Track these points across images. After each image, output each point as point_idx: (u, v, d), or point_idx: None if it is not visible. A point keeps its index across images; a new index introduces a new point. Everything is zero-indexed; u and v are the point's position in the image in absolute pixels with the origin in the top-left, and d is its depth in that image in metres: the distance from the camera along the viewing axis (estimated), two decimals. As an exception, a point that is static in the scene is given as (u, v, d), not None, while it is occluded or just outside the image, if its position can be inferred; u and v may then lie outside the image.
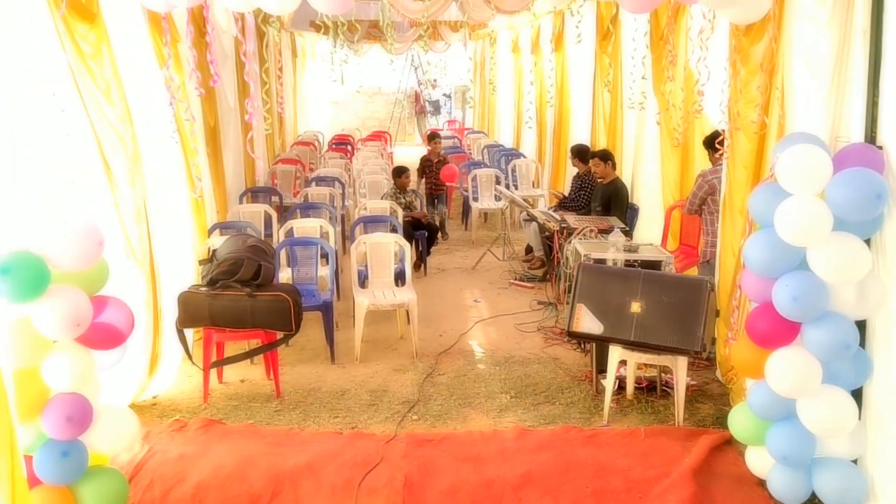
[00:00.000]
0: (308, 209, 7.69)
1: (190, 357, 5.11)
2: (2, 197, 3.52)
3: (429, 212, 9.03)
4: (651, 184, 6.85)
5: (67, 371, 3.36)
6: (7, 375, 3.05)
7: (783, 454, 3.75)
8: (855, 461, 3.76)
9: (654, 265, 5.21)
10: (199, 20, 6.10)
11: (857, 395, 3.72)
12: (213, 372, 5.19)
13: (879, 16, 3.53)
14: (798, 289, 3.56)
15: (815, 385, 3.64)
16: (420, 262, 8.21)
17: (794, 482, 3.80)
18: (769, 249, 3.68)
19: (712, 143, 5.38)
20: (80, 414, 3.40)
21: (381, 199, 8.25)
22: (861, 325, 3.71)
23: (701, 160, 5.83)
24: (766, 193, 3.73)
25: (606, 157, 7.62)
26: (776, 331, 3.71)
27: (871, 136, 3.64)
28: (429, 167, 10.18)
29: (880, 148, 3.57)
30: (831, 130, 3.78)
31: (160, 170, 5.23)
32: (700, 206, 5.78)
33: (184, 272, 5.64)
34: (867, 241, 3.60)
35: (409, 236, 7.35)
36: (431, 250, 8.51)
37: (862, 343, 3.71)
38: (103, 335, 3.51)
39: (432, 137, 10.80)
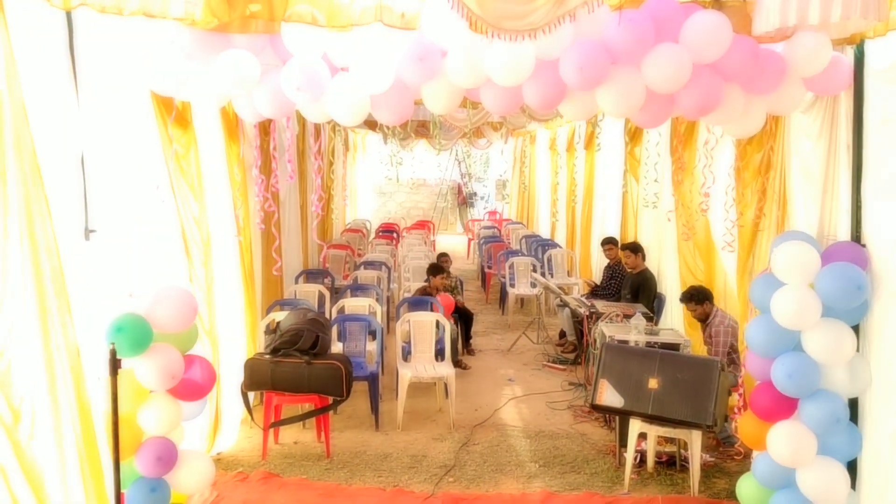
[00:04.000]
0: (357, 290, 8.37)
1: (252, 417, 5.70)
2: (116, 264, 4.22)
3: None
4: (673, 275, 7.40)
5: (160, 417, 3.98)
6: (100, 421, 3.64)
7: (785, 520, 4.14)
8: (852, 529, 4.11)
9: (672, 347, 5.68)
10: (266, 123, 6.95)
11: (853, 466, 4.13)
12: (270, 433, 5.75)
13: (860, 133, 4.14)
14: (793, 367, 4.05)
15: (810, 456, 4.07)
16: (465, 348, 8.68)
17: (795, 547, 4.17)
18: (767, 332, 4.18)
19: (691, 298, 5.89)
20: (168, 455, 4.00)
21: (425, 282, 8.87)
22: (853, 403, 4.15)
23: (707, 252, 6.39)
24: (763, 283, 4.26)
25: (636, 248, 8.20)
26: (775, 405, 4.18)
27: (856, 236, 4.19)
28: None
29: (864, 246, 4.10)
30: (820, 229, 4.33)
31: (223, 255, 5.91)
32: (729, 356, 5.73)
33: (236, 343, 6.25)
34: (855, 328, 4.09)
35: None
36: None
37: (854, 419, 4.15)
38: (190, 389, 4.14)
39: (436, 270, 8.45)
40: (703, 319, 5.94)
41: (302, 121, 9.25)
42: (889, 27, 3.68)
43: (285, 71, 3.99)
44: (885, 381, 3.93)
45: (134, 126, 4.41)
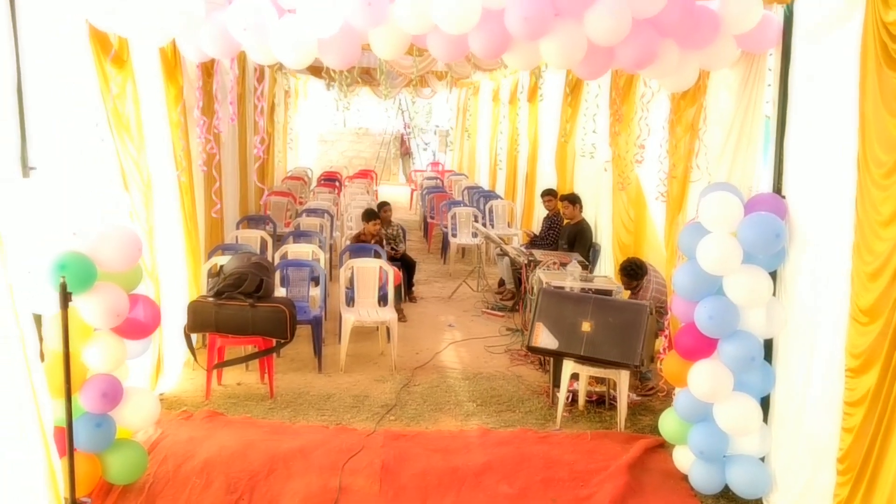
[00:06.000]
0: (300, 236, 8.40)
1: (195, 358, 5.75)
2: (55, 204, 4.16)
3: None
4: (607, 225, 7.68)
5: (105, 355, 4.02)
6: (34, 357, 3.60)
7: (700, 449, 4.48)
8: (762, 459, 4.48)
9: (605, 293, 5.96)
10: (209, 64, 6.85)
11: (766, 401, 4.47)
12: (213, 375, 5.82)
13: (785, 90, 4.37)
14: (714, 309, 4.33)
15: (727, 392, 4.39)
16: (408, 293, 8.87)
17: (710, 475, 4.52)
18: (692, 277, 4.45)
19: (627, 273, 6.01)
20: (113, 392, 4.06)
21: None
22: (769, 343, 4.48)
23: (637, 203, 6.64)
24: (690, 231, 4.51)
25: (574, 200, 8.46)
26: (697, 345, 4.47)
27: (777, 187, 4.46)
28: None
29: (784, 197, 4.38)
30: (744, 180, 4.59)
31: (163, 197, 5.86)
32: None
33: (177, 285, 6.24)
34: (773, 273, 4.39)
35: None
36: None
37: (769, 358, 4.48)
38: (134, 327, 4.17)
39: (370, 216, 8.32)
40: (634, 290, 6.14)
41: (242, 63, 9.10)
42: (816, -12, 3.89)
43: (231, 10, 3.97)
44: (797, 324, 4.24)
45: (75, 62, 4.31)
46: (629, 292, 6.15)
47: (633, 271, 6.04)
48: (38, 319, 3.93)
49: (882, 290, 3.33)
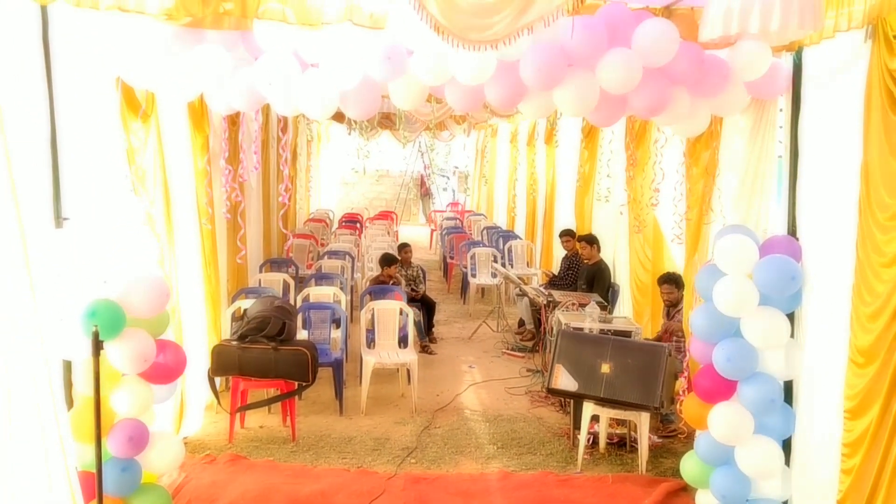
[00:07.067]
0: (322, 279, 8.52)
1: (219, 401, 5.84)
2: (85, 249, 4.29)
3: None
4: (625, 266, 7.72)
5: (132, 400, 4.11)
6: (60, 402, 3.67)
7: (722, 493, 4.45)
8: (785, 503, 4.44)
9: (624, 334, 5.98)
10: (235, 115, 7.04)
11: (788, 444, 4.45)
12: (236, 418, 5.89)
13: (796, 134, 4.44)
14: (732, 352, 4.35)
15: (747, 434, 4.37)
16: (427, 336, 8.92)
17: (733, 520, 4.48)
18: (709, 319, 4.47)
19: (671, 281, 6.00)
20: (139, 436, 4.14)
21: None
22: (788, 385, 4.47)
23: (656, 244, 6.68)
24: (707, 273, 4.55)
25: (592, 240, 8.51)
26: (716, 388, 4.47)
27: (791, 230, 4.50)
28: None
29: (798, 239, 4.42)
30: (757, 222, 4.64)
31: (186, 243, 5.97)
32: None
33: (198, 330, 6.32)
34: (791, 315, 4.40)
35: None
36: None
37: (789, 400, 4.47)
38: (161, 372, 4.27)
39: (389, 261, 8.43)
40: (674, 304, 6.12)
41: (266, 111, 9.34)
42: (823, 36, 3.98)
43: (257, 66, 4.14)
44: (816, 366, 4.25)
45: (106, 116, 4.50)
46: (666, 311, 6.14)
47: (674, 278, 6.00)
48: (66, 365, 4.08)
49: (880, 330, 3.36)
